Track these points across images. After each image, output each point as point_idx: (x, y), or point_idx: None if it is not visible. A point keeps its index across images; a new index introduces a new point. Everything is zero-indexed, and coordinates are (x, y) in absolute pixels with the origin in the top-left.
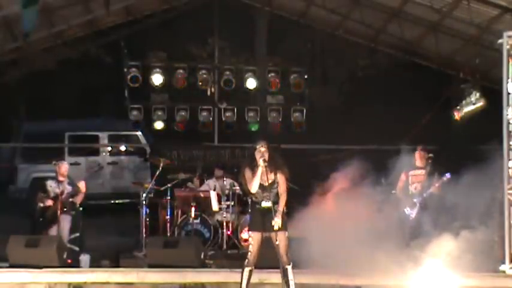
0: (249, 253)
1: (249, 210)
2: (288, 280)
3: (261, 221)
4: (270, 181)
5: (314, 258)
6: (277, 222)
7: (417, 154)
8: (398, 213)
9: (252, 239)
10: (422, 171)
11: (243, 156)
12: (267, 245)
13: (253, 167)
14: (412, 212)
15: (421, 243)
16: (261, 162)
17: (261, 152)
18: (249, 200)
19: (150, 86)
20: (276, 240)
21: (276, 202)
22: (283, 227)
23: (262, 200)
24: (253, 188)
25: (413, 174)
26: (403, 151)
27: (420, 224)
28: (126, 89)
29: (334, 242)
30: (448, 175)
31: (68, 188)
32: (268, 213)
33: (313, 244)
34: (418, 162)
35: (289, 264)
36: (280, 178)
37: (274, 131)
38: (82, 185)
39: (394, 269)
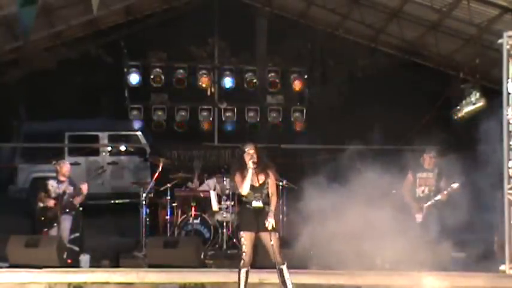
0: (244, 254)
1: (240, 211)
2: (284, 280)
3: (253, 220)
4: (260, 182)
5: (316, 257)
6: (270, 222)
7: (425, 156)
8: (404, 214)
9: (244, 239)
10: (430, 174)
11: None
12: (256, 243)
13: (243, 169)
14: (419, 216)
15: (426, 245)
16: (250, 164)
17: (250, 154)
18: (241, 199)
19: (150, 86)
20: (271, 240)
21: (266, 202)
22: (276, 227)
23: (253, 200)
24: (244, 190)
25: (420, 176)
26: (408, 152)
27: (426, 227)
28: (126, 89)
29: (338, 241)
30: (456, 184)
31: (70, 188)
32: (259, 213)
33: (315, 243)
34: (426, 164)
35: (284, 264)
36: (271, 178)
37: (274, 131)
38: (84, 187)
39: (396, 269)
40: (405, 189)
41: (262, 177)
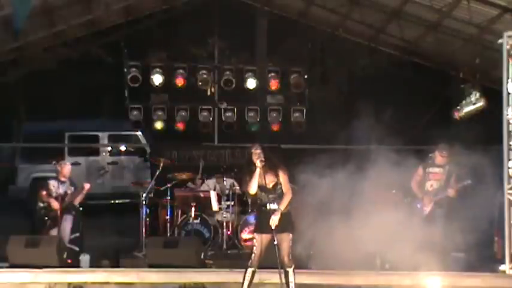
0: (253, 254)
1: (255, 211)
2: (288, 282)
3: (265, 222)
4: (272, 183)
5: (319, 256)
6: (274, 220)
7: (437, 153)
8: (411, 207)
9: (256, 240)
10: (441, 170)
11: (243, 156)
12: (268, 246)
13: (252, 170)
14: (425, 209)
15: (427, 245)
16: (258, 163)
17: (257, 153)
18: (256, 201)
19: (150, 86)
20: (274, 240)
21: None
22: (289, 229)
23: (268, 202)
24: (252, 189)
25: (431, 171)
26: (408, 151)
27: (432, 222)
28: (126, 89)
29: (338, 241)
30: (469, 181)
31: (71, 189)
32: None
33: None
34: (438, 160)
35: (291, 267)
36: (283, 178)
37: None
38: (87, 186)
39: (396, 269)
40: (414, 183)
41: (272, 178)
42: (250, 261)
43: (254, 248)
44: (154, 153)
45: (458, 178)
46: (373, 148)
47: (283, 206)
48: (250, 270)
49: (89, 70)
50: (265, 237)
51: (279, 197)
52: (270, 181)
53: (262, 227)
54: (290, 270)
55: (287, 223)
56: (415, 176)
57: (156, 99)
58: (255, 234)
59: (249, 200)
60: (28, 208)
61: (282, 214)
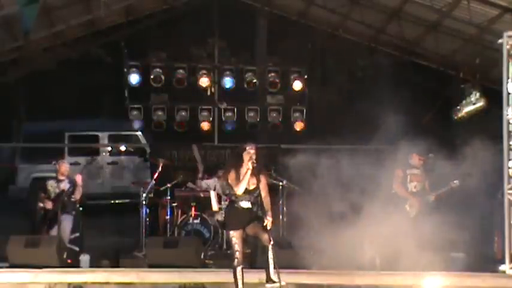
0: (237, 252)
1: (228, 210)
2: (268, 258)
3: (241, 219)
4: (254, 185)
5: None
6: (269, 220)
7: (415, 155)
8: (398, 210)
9: (235, 238)
10: (418, 171)
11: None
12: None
13: (238, 167)
14: (412, 211)
15: (420, 243)
16: (249, 165)
17: (250, 154)
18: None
19: (150, 86)
20: (249, 230)
21: (255, 203)
22: (257, 219)
23: (243, 200)
24: (240, 190)
25: (411, 173)
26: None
27: (420, 223)
28: (126, 89)
29: (337, 241)
30: (456, 182)
31: (67, 186)
32: (247, 212)
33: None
34: (415, 162)
35: (271, 242)
36: (263, 182)
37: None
38: (78, 178)
39: (395, 269)
40: (397, 185)
41: (255, 181)
42: (236, 260)
43: (236, 245)
44: (154, 153)
45: (431, 183)
46: (373, 148)
47: (269, 206)
48: (239, 269)
49: (88, 70)
50: (241, 232)
51: (254, 198)
52: (251, 183)
53: (237, 223)
54: (269, 245)
55: (257, 216)
56: (396, 178)
57: (156, 99)
58: (233, 233)
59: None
60: (28, 208)
61: (255, 211)
